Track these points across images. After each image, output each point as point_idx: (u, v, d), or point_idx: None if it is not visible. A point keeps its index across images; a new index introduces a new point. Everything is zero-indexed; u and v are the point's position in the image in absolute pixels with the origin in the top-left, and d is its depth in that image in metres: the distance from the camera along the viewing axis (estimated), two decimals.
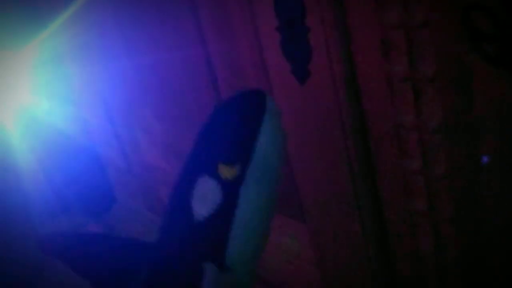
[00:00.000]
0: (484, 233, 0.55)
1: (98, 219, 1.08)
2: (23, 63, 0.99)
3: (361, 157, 0.58)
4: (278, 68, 0.60)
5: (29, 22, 0.99)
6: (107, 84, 0.96)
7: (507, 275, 0.55)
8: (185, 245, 0.43)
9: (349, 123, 0.57)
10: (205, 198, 0.42)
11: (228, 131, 0.45)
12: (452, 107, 0.49)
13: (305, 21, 0.54)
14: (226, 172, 0.42)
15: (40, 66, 1.01)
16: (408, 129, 0.53)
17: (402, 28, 0.48)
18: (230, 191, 0.42)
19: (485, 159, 0.51)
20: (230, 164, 0.42)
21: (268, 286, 0.79)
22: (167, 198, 0.45)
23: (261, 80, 0.66)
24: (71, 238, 0.50)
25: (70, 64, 1.01)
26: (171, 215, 0.45)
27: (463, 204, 0.54)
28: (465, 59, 0.46)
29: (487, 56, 0.44)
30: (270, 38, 0.58)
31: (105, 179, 1.08)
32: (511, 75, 0.44)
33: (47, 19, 0.93)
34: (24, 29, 0.98)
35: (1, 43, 0.98)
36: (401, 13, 0.48)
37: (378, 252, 0.63)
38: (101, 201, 1.09)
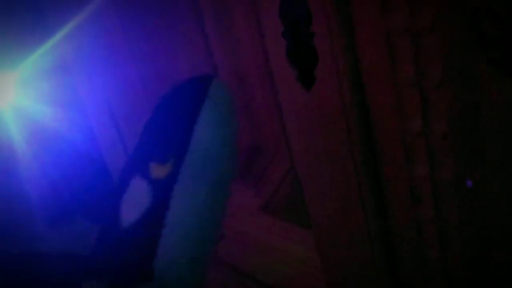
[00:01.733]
0: (491, 239, 0.54)
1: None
2: (29, 70, 0.99)
3: (368, 163, 0.58)
4: (283, 74, 0.60)
5: (36, 30, 0.99)
6: (113, 92, 0.96)
7: None
8: (111, 255, 0.39)
9: (356, 129, 0.57)
10: (133, 202, 0.38)
11: (163, 125, 0.40)
12: (460, 113, 0.49)
13: (311, 27, 0.54)
14: (158, 171, 0.38)
15: (46, 74, 1.01)
16: (415, 135, 0.53)
17: (409, 33, 0.48)
18: (161, 191, 0.38)
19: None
20: (162, 161, 0.38)
21: None
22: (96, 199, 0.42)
23: (266, 86, 0.66)
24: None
25: (76, 72, 1.02)
26: (102, 224, 0.41)
27: (470, 210, 0.54)
28: (473, 64, 0.46)
29: (495, 61, 0.44)
30: (275, 44, 0.58)
31: (111, 186, 1.08)
32: None
33: (54, 27, 0.93)
34: (30, 36, 0.98)
35: (7, 50, 0.98)
36: (407, 18, 0.48)
37: (384, 258, 0.63)
38: (106, 208, 1.09)
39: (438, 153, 0.53)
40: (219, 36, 0.69)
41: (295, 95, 0.60)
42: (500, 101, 0.46)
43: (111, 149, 1.04)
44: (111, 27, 0.88)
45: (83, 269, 0.38)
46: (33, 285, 0.38)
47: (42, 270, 0.40)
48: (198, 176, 0.38)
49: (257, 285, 0.80)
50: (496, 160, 0.50)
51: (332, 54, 0.54)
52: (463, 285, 0.58)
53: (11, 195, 1.05)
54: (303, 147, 0.63)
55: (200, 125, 0.38)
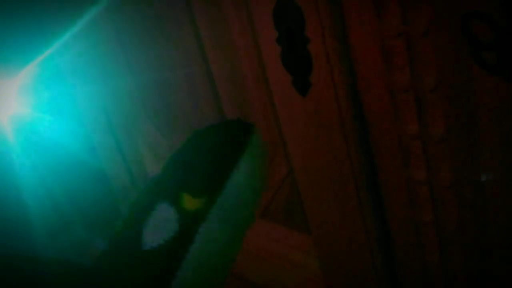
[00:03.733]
0: (489, 242, 0.54)
1: (101, 236, 1.08)
2: (27, 79, 0.99)
3: (365, 167, 0.58)
4: (278, 80, 0.60)
5: (33, 39, 0.99)
6: (110, 100, 0.96)
7: None
8: (125, 272, 0.39)
9: (352, 134, 0.57)
10: (159, 227, 0.39)
11: (200, 160, 0.41)
12: (455, 116, 0.49)
13: (305, 32, 0.54)
14: (189, 203, 0.39)
15: (43, 83, 1.01)
16: (411, 139, 0.53)
17: (403, 37, 0.48)
18: (189, 224, 0.39)
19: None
20: (196, 195, 0.39)
21: None
22: (118, 220, 0.42)
23: (262, 92, 0.66)
24: None
25: (74, 81, 1.02)
26: (117, 239, 0.41)
27: (469, 213, 0.54)
28: (467, 68, 0.46)
29: (487, 64, 0.44)
30: (270, 50, 0.58)
31: (109, 195, 1.08)
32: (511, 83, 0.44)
33: (51, 37, 0.93)
34: (28, 46, 0.98)
35: (5, 60, 0.99)
36: (401, 22, 0.48)
37: (383, 262, 0.63)
38: (105, 217, 1.09)
39: (435, 157, 0.53)
40: (214, 42, 0.69)
41: (291, 101, 0.60)
42: (494, 103, 0.46)
43: (109, 157, 1.04)
44: (108, 36, 0.88)
45: (87, 280, 0.39)
46: None
47: (48, 277, 0.40)
48: (226, 219, 0.39)
49: None
50: (493, 163, 0.50)
51: (326, 59, 0.55)
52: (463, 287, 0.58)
53: (8, 205, 1.05)
54: (301, 152, 0.63)
55: (238, 171, 0.39)
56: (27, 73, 0.98)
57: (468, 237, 0.55)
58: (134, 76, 0.87)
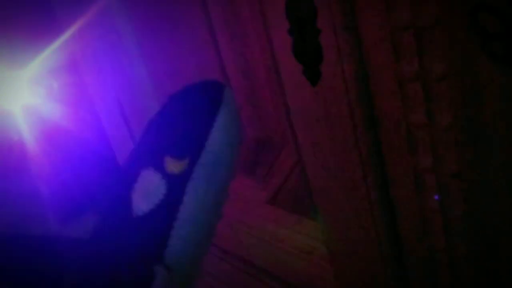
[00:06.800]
0: (495, 230, 0.55)
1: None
2: (39, 68, 1.01)
3: (373, 156, 0.59)
4: (290, 70, 0.61)
5: (45, 29, 1.01)
6: (123, 90, 0.98)
7: None
8: (121, 241, 0.39)
9: (361, 123, 0.58)
10: (147, 192, 0.39)
11: (178, 122, 0.42)
12: (462, 106, 0.50)
13: (316, 23, 0.56)
14: (173, 166, 0.39)
15: (56, 73, 1.02)
16: (419, 128, 0.54)
17: (412, 28, 0.49)
18: (176, 186, 0.39)
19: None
20: (178, 157, 0.39)
21: (280, 283, 0.80)
22: (105, 192, 0.43)
23: (273, 82, 0.67)
24: None
25: (87, 71, 1.03)
26: (107, 209, 0.43)
27: (475, 201, 0.55)
28: (475, 59, 0.47)
29: (495, 56, 0.45)
30: (282, 41, 0.60)
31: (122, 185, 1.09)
32: None
33: (64, 26, 0.95)
34: (40, 35, 1.00)
35: (17, 50, 1.00)
36: (410, 13, 0.49)
37: (391, 249, 0.64)
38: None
39: (442, 145, 0.54)
40: (227, 33, 0.70)
41: (302, 91, 0.61)
42: (502, 95, 0.47)
43: (121, 147, 1.05)
44: (121, 26, 0.89)
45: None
46: (41, 267, 0.40)
47: (51, 254, 0.41)
48: (210, 176, 0.41)
49: (265, 275, 0.82)
50: (500, 152, 0.51)
51: (337, 50, 0.56)
52: (468, 275, 0.59)
53: (22, 195, 1.07)
54: (310, 141, 0.65)
55: (216, 129, 0.41)
56: (40, 63, 0.99)
57: (474, 224, 0.56)
58: (147, 66, 0.89)
